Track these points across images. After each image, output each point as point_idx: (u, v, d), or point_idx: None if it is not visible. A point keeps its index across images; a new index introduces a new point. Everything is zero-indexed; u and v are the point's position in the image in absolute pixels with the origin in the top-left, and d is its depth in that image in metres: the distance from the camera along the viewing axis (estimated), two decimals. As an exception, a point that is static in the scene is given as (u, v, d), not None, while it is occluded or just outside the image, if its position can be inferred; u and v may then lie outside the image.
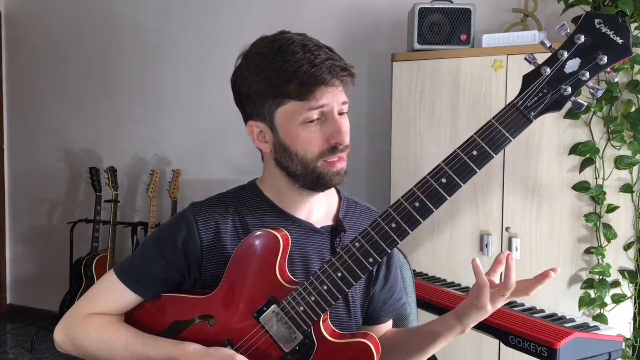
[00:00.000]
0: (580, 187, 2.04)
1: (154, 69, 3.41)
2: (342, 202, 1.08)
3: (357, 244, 0.86)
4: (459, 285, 1.81)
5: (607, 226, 2.01)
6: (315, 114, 0.89)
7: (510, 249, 2.13)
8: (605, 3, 2.01)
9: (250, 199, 1.02)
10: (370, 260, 0.85)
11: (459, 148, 0.82)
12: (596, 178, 2.04)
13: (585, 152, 2.01)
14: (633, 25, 2.05)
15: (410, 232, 0.84)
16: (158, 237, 1.01)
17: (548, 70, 0.79)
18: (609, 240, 2.01)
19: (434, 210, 0.83)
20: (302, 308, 0.88)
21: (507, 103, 0.82)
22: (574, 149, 2.04)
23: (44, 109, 3.76)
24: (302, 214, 1.01)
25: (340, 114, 0.92)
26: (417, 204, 0.83)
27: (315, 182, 0.94)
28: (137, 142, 3.49)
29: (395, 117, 2.31)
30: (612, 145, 2.02)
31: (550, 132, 2.09)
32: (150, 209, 3.16)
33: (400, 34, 2.64)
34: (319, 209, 1.03)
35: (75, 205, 3.71)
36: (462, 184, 0.82)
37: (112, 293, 0.99)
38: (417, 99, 2.27)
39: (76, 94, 3.65)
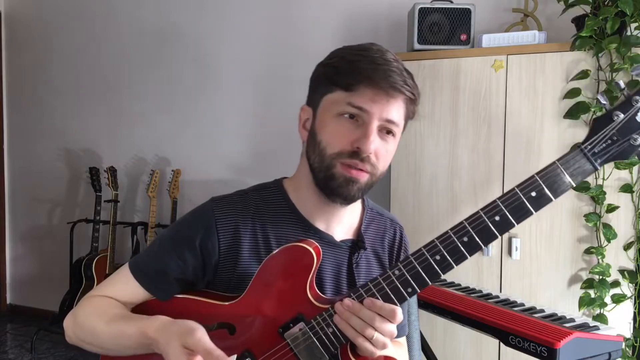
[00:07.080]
0: (580, 187, 2.03)
1: (154, 69, 3.41)
2: (365, 214, 1.03)
3: (397, 272, 0.82)
4: (459, 285, 1.81)
5: (607, 226, 2.01)
6: (352, 110, 0.86)
7: (510, 249, 2.13)
8: (606, 3, 2.01)
9: (274, 201, 0.98)
10: (409, 290, 0.82)
11: (518, 187, 0.79)
12: (596, 178, 2.04)
13: (585, 152, 2.01)
14: (633, 25, 2.05)
15: (455, 266, 0.81)
16: (175, 235, 0.96)
17: (621, 116, 0.75)
18: (609, 240, 2.01)
19: (483, 247, 0.81)
20: (331, 330, 0.84)
21: (573, 146, 0.80)
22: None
23: (44, 108, 3.77)
24: (322, 224, 0.97)
25: (388, 132, 0.89)
26: (465, 239, 0.80)
27: (325, 182, 0.90)
28: (137, 142, 3.49)
29: (395, 117, 2.30)
30: (612, 145, 2.01)
31: (550, 132, 2.09)
32: (150, 209, 3.15)
33: (400, 34, 2.65)
34: (340, 220, 0.99)
35: (75, 205, 3.71)
36: (516, 224, 0.79)
37: (123, 287, 0.95)
38: (417, 99, 2.26)
39: (76, 94, 3.65)
